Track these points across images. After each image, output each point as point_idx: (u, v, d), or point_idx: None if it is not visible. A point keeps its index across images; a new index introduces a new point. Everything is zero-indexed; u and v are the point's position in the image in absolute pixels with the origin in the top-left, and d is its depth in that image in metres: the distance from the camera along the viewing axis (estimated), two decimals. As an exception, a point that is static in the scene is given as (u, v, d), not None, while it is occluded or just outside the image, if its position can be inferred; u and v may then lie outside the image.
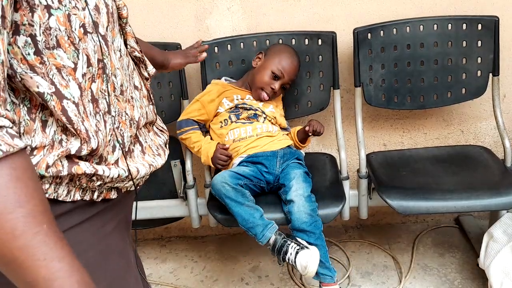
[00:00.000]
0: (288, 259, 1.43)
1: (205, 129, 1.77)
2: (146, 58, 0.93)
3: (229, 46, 1.84)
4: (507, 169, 1.73)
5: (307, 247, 1.44)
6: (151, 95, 0.93)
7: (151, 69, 0.95)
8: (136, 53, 0.89)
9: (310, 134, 1.68)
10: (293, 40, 1.82)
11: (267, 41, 1.83)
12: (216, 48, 1.83)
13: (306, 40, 1.82)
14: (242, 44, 1.84)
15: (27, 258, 0.55)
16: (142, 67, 0.92)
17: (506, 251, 1.60)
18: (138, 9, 1.87)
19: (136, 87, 0.87)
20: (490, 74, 1.79)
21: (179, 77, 1.83)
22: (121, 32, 0.85)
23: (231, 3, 1.85)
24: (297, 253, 1.42)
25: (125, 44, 0.86)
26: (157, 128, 0.97)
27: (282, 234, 1.47)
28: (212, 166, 1.67)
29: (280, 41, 1.82)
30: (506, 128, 1.81)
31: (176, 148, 1.92)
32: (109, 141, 0.76)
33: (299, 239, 1.47)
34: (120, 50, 0.80)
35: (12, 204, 0.54)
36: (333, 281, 1.48)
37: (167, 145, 0.97)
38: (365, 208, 1.82)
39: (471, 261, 1.94)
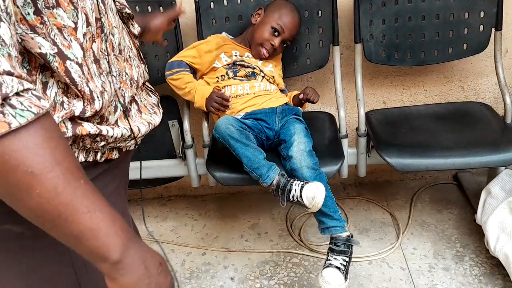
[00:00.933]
0: (293, 197, 1.42)
1: (195, 77, 1.72)
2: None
3: (225, 1, 1.79)
4: (507, 126, 1.73)
5: (311, 182, 1.44)
6: (141, 54, 0.92)
7: (137, 27, 0.93)
8: (127, 9, 0.87)
9: (303, 101, 1.69)
10: (292, -5, 1.77)
11: (265, -4, 1.77)
12: (212, 4, 1.78)
13: (305, -5, 1.77)
14: (239, -1, 1.79)
15: (72, 212, 0.58)
16: (131, 24, 0.90)
17: (503, 207, 1.62)
18: (130, -36, 1.80)
19: (127, 46, 0.85)
20: (493, 29, 1.75)
21: (174, 34, 1.79)
22: None
23: (227, -44, 1.79)
24: (302, 187, 1.42)
25: (114, 1, 0.84)
26: (147, 88, 0.96)
27: (285, 175, 1.47)
28: (205, 109, 1.64)
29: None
30: (507, 84, 1.78)
31: (173, 108, 1.90)
32: (112, 101, 0.75)
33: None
34: (112, 9, 0.78)
35: (51, 163, 0.56)
36: (344, 230, 1.48)
37: (159, 105, 0.96)
38: (364, 166, 1.83)
39: (468, 217, 1.97)
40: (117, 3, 0.85)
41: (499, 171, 1.79)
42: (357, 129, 1.80)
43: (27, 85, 0.55)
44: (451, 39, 1.79)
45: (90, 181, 0.62)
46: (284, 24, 1.65)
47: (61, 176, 0.57)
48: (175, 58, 1.69)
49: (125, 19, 0.89)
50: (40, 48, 0.64)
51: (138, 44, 0.92)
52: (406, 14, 1.76)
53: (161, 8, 1.78)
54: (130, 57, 0.82)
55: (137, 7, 1.79)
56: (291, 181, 1.44)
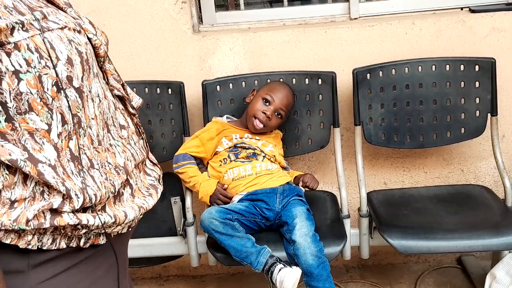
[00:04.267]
0: (274, 278, 1.45)
1: (202, 165, 1.77)
2: (128, 93, 0.91)
3: (231, 84, 1.87)
4: (508, 209, 1.72)
5: (290, 267, 1.46)
6: (140, 129, 0.92)
7: (137, 101, 0.93)
8: (116, 91, 0.87)
9: (302, 187, 1.73)
10: (294, 80, 1.85)
11: (268, 80, 1.86)
12: (218, 87, 1.86)
13: (307, 80, 1.85)
14: (243, 83, 1.87)
15: None
16: (127, 103, 0.91)
17: (510, 293, 1.57)
18: (142, 49, 1.91)
19: (122, 126, 0.85)
20: (489, 114, 1.81)
21: (181, 114, 1.85)
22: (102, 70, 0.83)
23: (233, 44, 1.90)
24: (279, 270, 1.44)
25: (107, 83, 0.85)
26: (150, 161, 0.95)
27: (274, 257, 1.49)
28: (209, 204, 1.67)
29: (281, 80, 1.85)
30: (506, 167, 1.81)
31: (176, 185, 1.92)
32: (105, 193, 0.75)
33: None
34: (98, 96, 0.78)
35: None
36: None
37: (161, 180, 0.95)
38: (367, 247, 1.80)
39: (474, 303, 1.91)
40: (108, 85, 0.86)
41: (503, 255, 1.76)
42: (359, 209, 1.80)
43: None
44: (449, 124, 1.84)
45: None
46: (273, 93, 1.72)
47: None
48: (180, 151, 1.74)
49: (120, 98, 0.89)
50: (10, 155, 0.64)
51: (137, 120, 0.92)
52: (404, 99, 1.83)
53: (169, 90, 1.86)
54: (111, 145, 0.80)
55: (146, 89, 1.87)
56: (277, 263, 1.47)
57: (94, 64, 0.78)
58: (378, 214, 1.72)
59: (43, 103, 0.66)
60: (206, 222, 1.53)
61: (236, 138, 1.75)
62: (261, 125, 1.72)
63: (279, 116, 1.75)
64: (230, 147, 1.73)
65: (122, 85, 0.89)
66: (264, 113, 1.71)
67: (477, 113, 1.82)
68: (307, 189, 1.74)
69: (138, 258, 1.83)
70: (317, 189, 1.79)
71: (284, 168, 1.81)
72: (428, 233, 1.59)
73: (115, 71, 0.88)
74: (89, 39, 0.77)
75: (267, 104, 1.72)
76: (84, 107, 0.73)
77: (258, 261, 1.47)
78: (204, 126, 1.83)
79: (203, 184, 1.67)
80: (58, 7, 0.76)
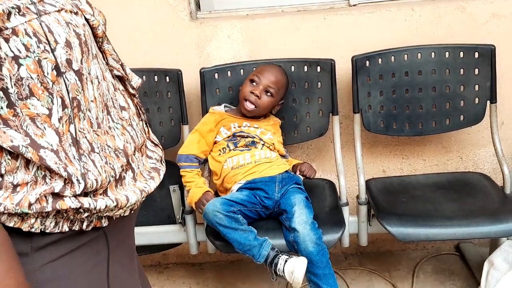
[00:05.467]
0: (279, 270, 1.47)
1: (206, 161, 1.78)
2: (127, 73, 0.90)
3: (229, 72, 1.86)
4: (507, 196, 1.73)
5: (296, 256, 1.48)
6: (141, 110, 0.92)
7: (136, 81, 0.93)
8: (116, 72, 0.87)
9: (299, 176, 1.73)
10: (292, 67, 1.84)
11: (267, 68, 1.85)
12: (216, 74, 1.85)
13: (305, 67, 1.84)
14: (242, 70, 1.86)
15: None
16: (127, 83, 0.90)
17: (507, 279, 1.58)
18: (139, 36, 1.90)
19: (123, 107, 0.85)
20: (488, 102, 1.81)
21: (179, 102, 1.84)
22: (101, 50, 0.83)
23: (231, 31, 1.88)
24: (285, 261, 1.47)
25: (106, 63, 0.84)
26: (151, 142, 0.95)
27: (275, 249, 1.51)
28: (195, 209, 1.68)
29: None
30: (505, 155, 1.81)
31: (175, 173, 1.91)
32: (106, 177, 0.75)
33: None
34: (97, 77, 0.78)
35: None
36: None
37: (163, 161, 0.95)
38: (365, 235, 1.81)
39: (472, 289, 1.92)
40: (109, 65, 0.85)
41: (501, 242, 1.77)
42: (358, 197, 1.81)
43: None
44: (448, 111, 1.84)
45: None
46: (260, 74, 1.72)
47: None
48: (182, 151, 1.73)
49: (120, 78, 0.89)
50: (12, 141, 0.64)
51: (137, 100, 0.92)
52: (403, 87, 1.82)
53: (167, 78, 1.85)
54: (110, 127, 0.80)
55: (144, 77, 1.86)
56: (279, 255, 1.49)
57: (93, 45, 0.78)
58: (376, 202, 1.73)
59: (44, 87, 0.66)
60: (210, 215, 1.53)
61: (234, 127, 1.74)
62: (252, 106, 1.71)
63: (269, 94, 1.72)
64: (229, 136, 1.73)
65: (121, 65, 0.89)
66: (253, 92, 1.70)
67: (476, 100, 1.82)
68: (304, 177, 1.74)
69: (137, 246, 1.83)
70: (315, 177, 1.79)
71: (283, 156, 1.81)
72: (427, 221, 1.60)
73: (114, 51, 0.87)
74: (86, 20, 0.77)
75: (255, 84, 1.71)
76: (84, 89, 0.73)
77: (260, 253, 1.50)
78: (203, 114, 1.83)
79: (192, 190, 1.68)
80: None
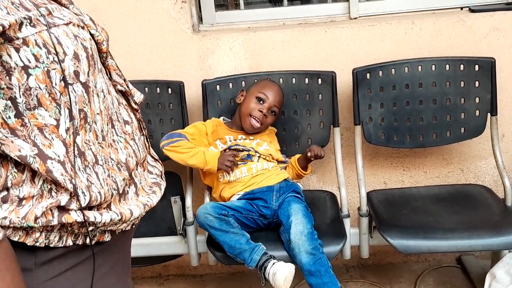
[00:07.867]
0: (267, 274, 1.46)
1: None
2: (130, 88, 0.92)
3: (230, 84, 1.87)
4: (508, 209, 1.73)
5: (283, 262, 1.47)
6: (142, 125, 0.93)
7: (138, 96, 0.94)
8: (119, 87, 0.88)
9: (312, 159, 1.70)
10: (294, 79, 1.85)
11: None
12: (218, 86, 1.86)
13: (306, 79, 1.85)
14: (243, 82, 1.87)
15: None
16: (130, 98, 0.91)
17: (510, 293, 1.58)
18: (142, 48, 1.92)
19: (126, 122, 0.86)
20: (489, 114, 1.81)
21: (181, 114, 1.85)
22: (104, 66, 0.84)
23: (233, 43, 1.90)
24: (273, 264, 1.45)
25: (110, 79, 0.85)
26: (151, 157, 0.95)
27: (268, 254, 1.50)
28: (215, 170, 1.64)
29: (281, 80, 1.85)
30: (506, 167, 1.81)
31: (176, 184, 1.92)
32: (108, 190, 0.75)
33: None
34: (103, 91, 0.79)
35: None
36: None
37: (163, 176, 0.95)
38: (366, 247, 1.80)
39: (474, 302, 1.91)
40: (111, 80, 0.86)
41: (502, 254, 1.76)
42: (359, 209, 1.80)
43: None
44: (449, 123, 1.84)
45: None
46: (266, 92, 1.72)
47: None
48: (176, 131, 1.73)
49: (123, 93, 0.90)
50: (20, 151, 0.64)
51: (139, 116, 0.93)
52: (404, 99, 1.83)
53: (169, 89, 1.86)
54: (114, 141, 0.81)
55: (146, 88, 1.87)
56: (270, 259, 1.47)
57: (98, 60, 0.79)
58: (378, 214, 1.73)
59: (52, 98, 0.67)
60: (201, 218, 1.55)
61: (230, 141, 1.75)
62: (258, 124, 1.72)
63: (273, 113, 1.75)
64: (224, 150, 1.73)
65: (124, 80, 0.90)
66: (261, 111, 1.71)
67: (477, 112, 1.82)
68: (316, 159, 1.71)
69: (138, 257, 1.83)
70: (316, 189, 1.79)
71: (282, 162, 1.81)
72: (428, 233, 1.59)
73: (117, 66, 0.88)
74: (91, 35, 0.78)
75: (261, 102, 1.72)
76: (90, 102, 0.74)
77: (251, 258, 1.48)
78: (204, 125, 1.84)
79: (207, 152, 1.65)
80: (60, 3, 0.77)
